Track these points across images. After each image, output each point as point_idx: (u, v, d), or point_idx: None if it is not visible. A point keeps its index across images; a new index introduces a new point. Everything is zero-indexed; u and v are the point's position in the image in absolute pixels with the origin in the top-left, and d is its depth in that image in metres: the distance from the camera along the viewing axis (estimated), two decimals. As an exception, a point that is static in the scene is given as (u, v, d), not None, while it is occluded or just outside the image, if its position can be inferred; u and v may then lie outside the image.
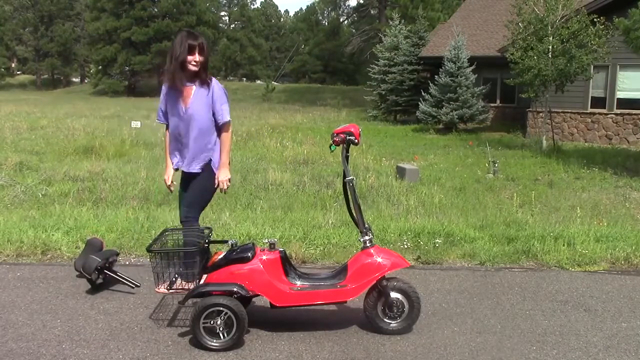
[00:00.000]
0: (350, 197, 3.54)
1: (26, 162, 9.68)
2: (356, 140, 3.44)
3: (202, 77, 3.70)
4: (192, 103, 3.70)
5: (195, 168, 3.75)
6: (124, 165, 9.79)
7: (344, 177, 3.51)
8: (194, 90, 3.71)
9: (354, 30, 51.84)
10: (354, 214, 3.57)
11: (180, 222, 3.87)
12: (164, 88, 3.79)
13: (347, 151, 3.52)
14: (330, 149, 3.56)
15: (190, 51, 3.63)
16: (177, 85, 3.67)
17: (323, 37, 54.46)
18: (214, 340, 3.25)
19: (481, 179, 9.58)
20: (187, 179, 3.82)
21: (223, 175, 3.78)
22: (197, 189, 3.79)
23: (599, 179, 9.99)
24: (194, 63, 3.65)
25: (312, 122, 20.51)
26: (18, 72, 64.80)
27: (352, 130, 3.44)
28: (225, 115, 3.73)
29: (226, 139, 3.78)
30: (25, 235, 5.13)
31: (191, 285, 3.40)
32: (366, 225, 3.54)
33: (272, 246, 3.46)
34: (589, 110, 16.67)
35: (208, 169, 3.77)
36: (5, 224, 5.53)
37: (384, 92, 22.51)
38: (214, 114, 3.73)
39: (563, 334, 3.56)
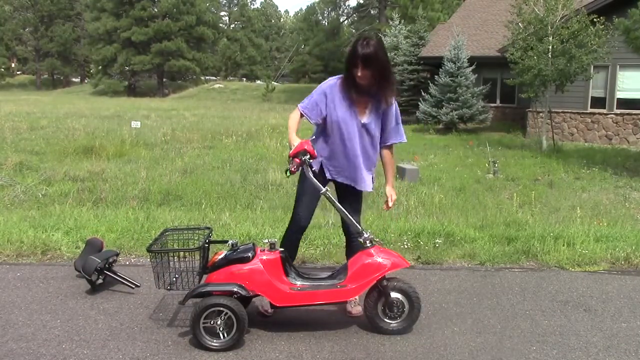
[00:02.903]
0: (333, 206, 3.52)
1: (26, 162, 9.68)
2: (313, 157, 3.33)
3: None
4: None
5: None
6: (124, 165, 9.79)
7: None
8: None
9: (354, 30, 51.85)
10: (345, 220, 3.58)
11: (352, 235, 3.71)
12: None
13: (312, 167, 3.44)
14: (286, 174, 3.34)
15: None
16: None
17: (323, 37, 54.42)
18: (214, 340, 3.25)
19: (481, 179, 9.58)
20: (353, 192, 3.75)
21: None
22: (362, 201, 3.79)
23: (599, 179, 10.00)
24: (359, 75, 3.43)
25: (312, 122, 20.50)
26: (18, 72, 64.79)
27: (306, 147, 3.29)
28: None
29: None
30: (25, 235, 5.13)
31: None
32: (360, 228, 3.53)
33: (272, 246, 3.46)
34: (589, 110, 16.68)
35: None
36: (5, 224, 5.53)
37: (384, 92, 22.50)
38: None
39: (563, 334, 3.56)
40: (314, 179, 3.42)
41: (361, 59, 3.35)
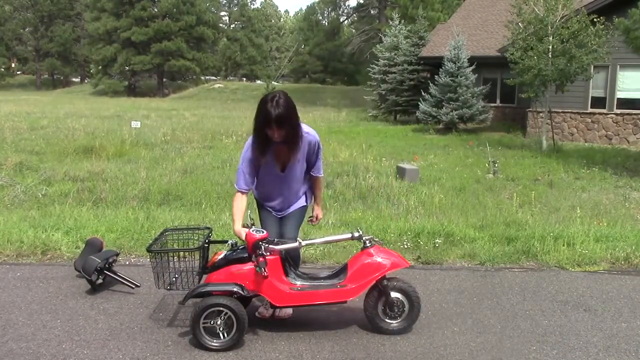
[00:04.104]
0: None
1: (26, 162, 9.68)
2: (266, 238, 3.32)
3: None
4: None
5: None
6: (124, 165, 9.79)
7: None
8: None
9: (354, 30, 51.87)
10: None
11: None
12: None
13: (273, 239, 3.46)
14: (264, 275, 3.26)
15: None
16: None
17: (323, 37, 54.44)
18: (214, 340, 3.25)
19: (481, 179, 9.58)
20: None
21: None
22: None
23: (599, 179, 9.99)
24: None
25: (312, 123, 20.49)
26: (18, 72, 64.64)
27: (257, 237, 3.28)
28: None
29: None
30: (25, 235, 5.13)
31: None
32: (358, 233, 3.54)
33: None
34: (589, 110, 16.67)
35: None
36: (5, 224, 5.53)
37: (384, 92, 22.51)
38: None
39: (563, 334, 3.56)
40: (286, 245, 3.44)
41: (275, 121, 3.30)
